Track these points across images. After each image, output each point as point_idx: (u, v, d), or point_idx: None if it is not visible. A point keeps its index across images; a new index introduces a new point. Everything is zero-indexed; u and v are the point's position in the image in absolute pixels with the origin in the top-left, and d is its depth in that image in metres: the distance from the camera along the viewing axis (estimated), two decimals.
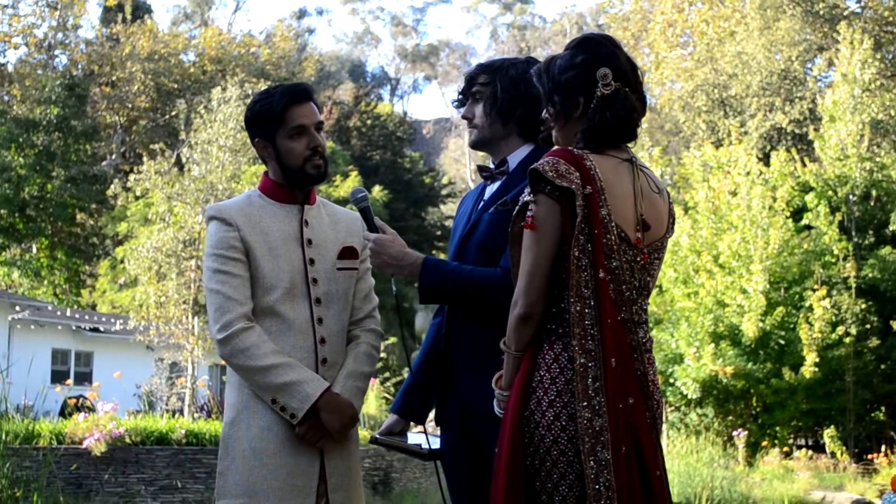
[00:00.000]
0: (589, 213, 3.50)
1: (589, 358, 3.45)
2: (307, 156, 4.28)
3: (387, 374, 25.07)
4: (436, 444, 4.35)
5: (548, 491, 3.50)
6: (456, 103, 4.49)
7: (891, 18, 37.18)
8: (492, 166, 4.38)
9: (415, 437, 4.52)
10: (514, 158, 4.29)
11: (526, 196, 3.59)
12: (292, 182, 4.34)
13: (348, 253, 4.40)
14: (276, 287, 4.20)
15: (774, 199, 25.97)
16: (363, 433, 13.68)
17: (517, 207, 3.64)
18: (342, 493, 4.24)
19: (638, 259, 3.62)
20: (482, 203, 4.32)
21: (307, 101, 4.34)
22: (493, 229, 4.12)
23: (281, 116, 4.28)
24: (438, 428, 4.42)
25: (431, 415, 4.57)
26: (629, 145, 3.77)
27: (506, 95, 4.26)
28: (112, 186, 31.93)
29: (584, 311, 3.48)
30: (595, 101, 3.64)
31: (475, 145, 4.42)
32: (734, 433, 23.64)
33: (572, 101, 3.68)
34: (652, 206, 3.70)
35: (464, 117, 4.41)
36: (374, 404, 19.96)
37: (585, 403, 3.43)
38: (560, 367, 3.52)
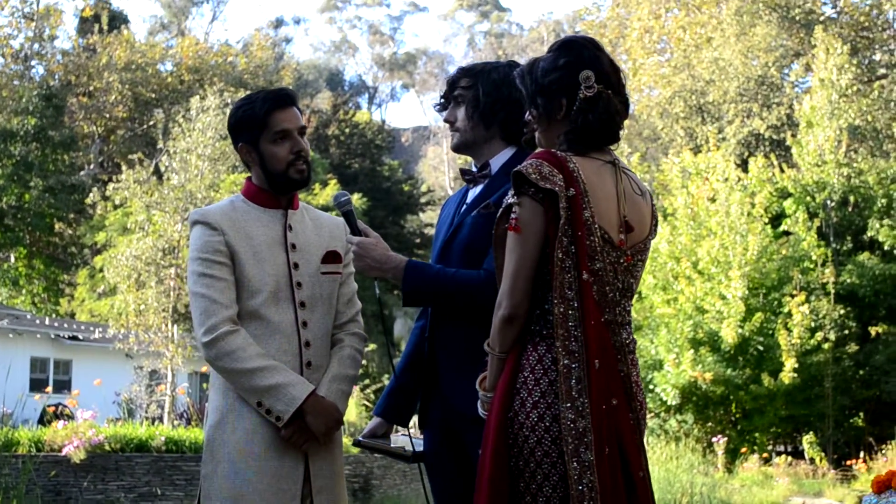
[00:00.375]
0: (572, 215, 3.51)
1: (572, 359, 3.46)
2: (290, 160, 4.28)
3: (367, 381, 25.03)
4: (419, 446, 4.35)
5: (532, 492, 3.50)
6: (438, 107, 4.47)
7: (866, 23, 37.39)
8: (474, 170, 4.38)
9: (398, 439, 4.52)
10: (497, 161, 4.29)
11: (510, 198, 3.59)
12: (276, 186, 4.33)
13: (332, 257, 4.39)
14: (260, 291, 4.19)
15: (753, 206, 26.06)
16: (344, 439, 13.66)
17: (501, 210, 3.64)
18: (326, 496, 4.23)
19: (621, 261, 3.63)
20: (465, 206, 4.31)
21: (290, 105, 4.34)
22: (477, 232, 4.12)
23: (264, 121, 4.28)
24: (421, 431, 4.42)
25: (415, 419, 4.57)
26: (612, 147, 3.78)
27: (488, 99, 4.26)
28: (90, 196, 31.85)
29: (568, 312, 3.49)
30: (578, 104, 3.64)
31: (457, 149, 4.42)
32: (714, 439, 23.70)
33: (555, 104, 3.69)
34: (635, 208, 3.71)
35: (446, 121, 4.40)
36: (355, 411, 19.95)
37: (569, 404, 3.43)
38: (544, 369, 3.53)
